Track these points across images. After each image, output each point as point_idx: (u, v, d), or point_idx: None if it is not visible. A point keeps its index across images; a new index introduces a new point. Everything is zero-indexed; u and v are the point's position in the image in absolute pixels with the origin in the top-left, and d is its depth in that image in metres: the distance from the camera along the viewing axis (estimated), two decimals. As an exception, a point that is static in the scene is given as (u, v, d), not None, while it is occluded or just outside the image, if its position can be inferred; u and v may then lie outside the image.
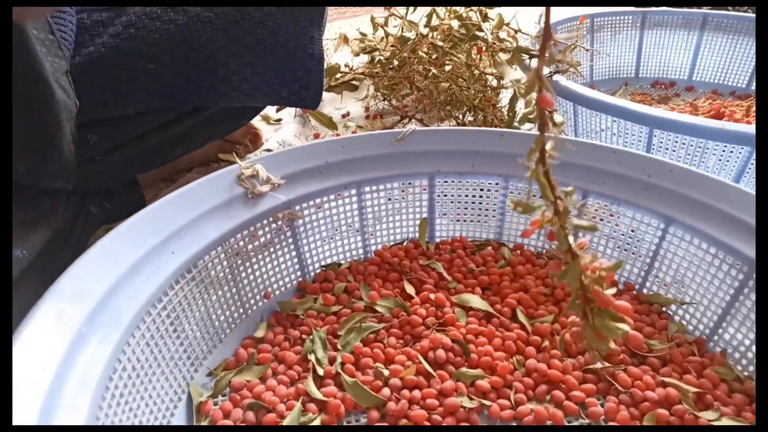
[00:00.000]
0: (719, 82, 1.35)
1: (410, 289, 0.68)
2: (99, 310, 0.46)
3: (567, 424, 0.53)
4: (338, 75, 1.18)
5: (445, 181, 0.74)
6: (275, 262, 0.67)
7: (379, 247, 0.74)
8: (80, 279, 0.46)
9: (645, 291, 0.68)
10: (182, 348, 0.55)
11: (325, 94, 1.14)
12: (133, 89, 0.66)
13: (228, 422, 0.52)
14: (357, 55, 1.18)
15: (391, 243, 0.76)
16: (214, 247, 0.59)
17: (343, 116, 1.26)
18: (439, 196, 0.75)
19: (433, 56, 1.02)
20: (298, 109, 1.18)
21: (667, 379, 0.57)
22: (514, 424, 0.54)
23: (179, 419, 0.53)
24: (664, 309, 0.66)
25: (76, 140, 0.68)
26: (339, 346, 0.61)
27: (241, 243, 0.62)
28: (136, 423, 0.47)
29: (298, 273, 0.70)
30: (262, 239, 0.65)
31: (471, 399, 0.55)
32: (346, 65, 1.21)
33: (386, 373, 0.58)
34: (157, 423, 0.50)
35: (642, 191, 0.66)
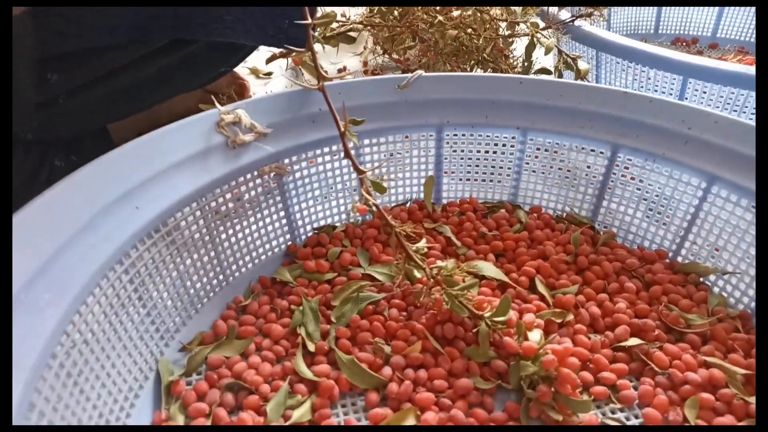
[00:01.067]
0: (746, 40, 1.25)
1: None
2: (42, 274, 0.38)
3: (596, 410, 0.46)
4: (334, 25, 1.08)
5: (455, 134, 0.65)
6: (261, 224, 0.59)
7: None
8: (20, 237, 0.38)
9: (680, 259, 0.60)
10: (149, 319, 0.47)
11: (318, 47, 1.04)
12: (98, 17, 0.56)
13: (202, 405, 0.45)
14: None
15: (393, 204, 0.68)
16: (188, 203, 0.50)
17: (339, 71, 1.17)
18: (447, 151, 0.66)
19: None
20: (290, 60, 1.08)
21: (709, 359, 0.49)
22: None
23: (145, 402, 0.45)
24: (702, 280, 0.58)
25: (35, 80, 0.59)
26: (333, 319, 0.53)
27: (221, 200, 0.54)
28: (89, 407, 0.39)
29: (288, 236, 0.62)
30: (246, 196, 0.57)
31: (485, 380, 0.48)
32: (343, 15, 1.11)
33: (387, 349, 0.50)
34: (117, 406, 0.42)
35: (681, 145, 0.58)
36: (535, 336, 0.48)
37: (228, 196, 0.54)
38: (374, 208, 0.51)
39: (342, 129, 0.52)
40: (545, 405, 0.45)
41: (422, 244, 0.53)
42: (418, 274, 0.53)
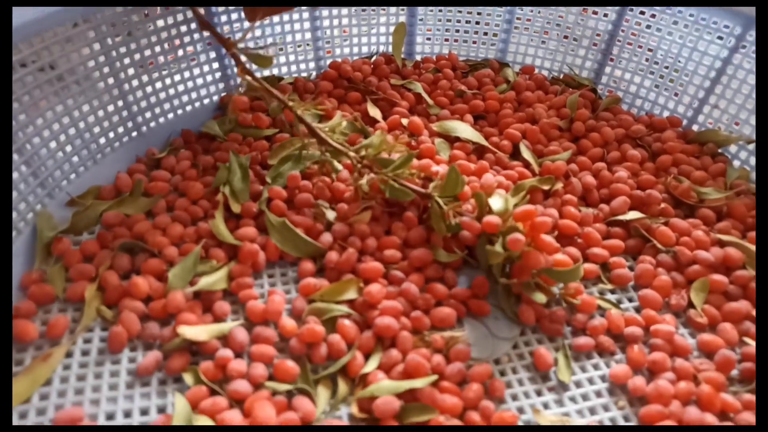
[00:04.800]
0: None
1: (375, 113, 0.50)
2: None
3: (583, 289, 0.37)
4: None
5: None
6: (184, 66, 0.47)
7: (338, 60, 0.54)
8: None
9: (696, 128, 0.50)
10: (21, 159, 0.37)
11: None
12: None
13: (88, 267, 0.35)
14: None
15: (355, 57, 0.56)
16: (69, 19, 0.38)
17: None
18: (423, -9, 0.54)
19: None
20: None
21: (725, 237, 0.40)
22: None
23: (16, 260, 0.35)
24: (720, 150, 0.48)
25: None
26: (268, 179, 0.43)
27: (124, 22, 0.42)
28: None
29: (221, 86, 0.51)
30: (161, 25, 0.44)
31: (449, 252, 0.39)
32: None
33: (330, 215, 0.40)
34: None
35: (715, -19, 0.46)
36: (497, 203, 0.37)
37: (135, 19, 0.42)
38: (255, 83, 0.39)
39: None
40: (524, 287, 0.36)
41: (337, 120, 0.42)
42: (338, 166, 0.42)
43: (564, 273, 0.35)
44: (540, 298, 0.35)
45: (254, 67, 0.47)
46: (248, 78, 0.40)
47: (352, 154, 0.40)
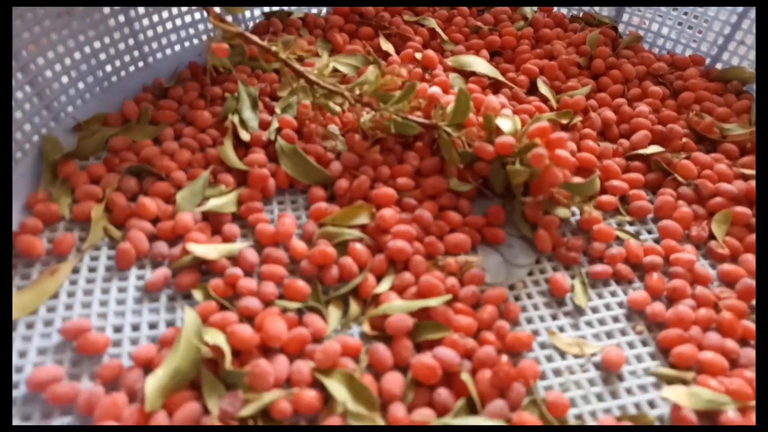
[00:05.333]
0: None
1: (388, 47, 0.48)
2: None
3: (602, 223, 0.36)
4: None
5: None
6: (192, -6, 0.46)
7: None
8: None
9: (719, 66, 0.48)
10: (25, 79, 0.36)
11: None
12: None
13: (95, 188, 0.35)
14: None
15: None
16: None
17: None
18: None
19: None
20: None
21: (748, 171, 0.39)
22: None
23: (18, 182, 0.35)
24: (745, 88, 0.46)
25: None
26: (277, 110, 0.42)
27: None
28: None
29: (229, 18, 0.49)
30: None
31: (463, 182, 0.38)
32: None
33: (340, 145, 0.39)
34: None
35: None
36: (506, 125, 0.36)
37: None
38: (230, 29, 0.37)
39: None
40: (545, 205, 0.35)
41: (324, 60, 0.40)
42: (336, 108, 0.40)
43: (582, 186, 0.34)
44: (564, 213, 0.35)
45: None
46: (222, 25, 0.38)
47: (346, 93, 0.38)
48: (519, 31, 0.50)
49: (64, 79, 0.39)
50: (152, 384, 0.25)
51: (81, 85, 0.40)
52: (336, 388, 0.26)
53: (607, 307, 0.33)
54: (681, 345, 0.30)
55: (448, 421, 0.25)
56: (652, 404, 0.28)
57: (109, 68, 0.42)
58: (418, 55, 0.46)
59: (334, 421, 0.25)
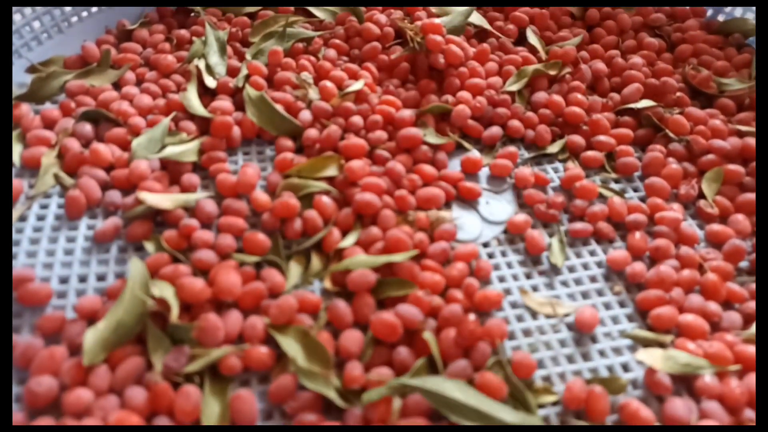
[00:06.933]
0: None
1: (369, -8, 0.45)
2: None
3: (585, 179, 0.34)
4: None
5: None
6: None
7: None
8: None
9: (721, 18, 0.45)
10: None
11: None
12: None
13: (47, 133, 0.33)
14: None
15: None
16: None
17: None
18: None
19: None
20: None
21: (744, 128, 0.37)
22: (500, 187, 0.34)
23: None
24: (746, 42, 0.44)
25: None
26: (247, 56, 0.39)
27: None
28: None
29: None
30: None
31: (439, 135, 0.35)
32: None
33: (313, 94, 0.37)
34: None
35: None
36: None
37: None
38: None
39: None
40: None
41: None
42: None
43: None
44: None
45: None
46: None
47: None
48: (510, -22, 0.47)
49: (17, 17, 0.36)
50: (92, 337, 0.24)
51: (36, 24, 0.38)
52: (289, 344, 0.25)
53: (585, 266, 0.31)
54: (660, 307, 0.28)
55: (406, 380, 0.23)
56: (626, 367, 0.27)
57: (68, 9, 0.39)
58: (400, 1, 0.43)
59: (286, 378, 0.24)
